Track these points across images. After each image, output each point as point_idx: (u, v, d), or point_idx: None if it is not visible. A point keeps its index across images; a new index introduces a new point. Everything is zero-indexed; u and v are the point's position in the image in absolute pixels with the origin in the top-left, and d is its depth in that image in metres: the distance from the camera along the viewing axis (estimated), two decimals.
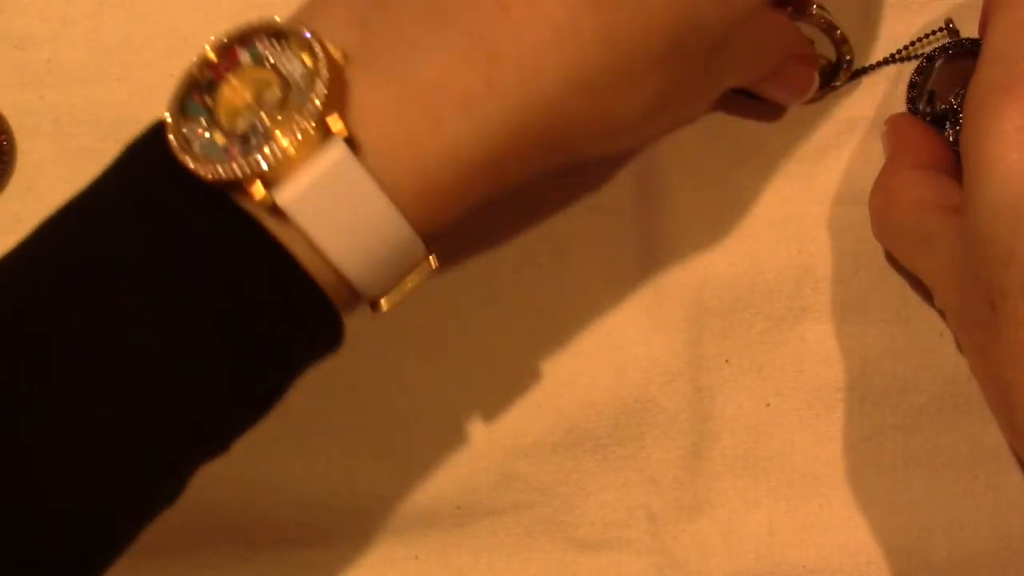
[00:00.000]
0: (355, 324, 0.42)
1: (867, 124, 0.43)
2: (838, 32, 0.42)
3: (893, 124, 0.41)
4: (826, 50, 0.42)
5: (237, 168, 0.27)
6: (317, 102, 0.28)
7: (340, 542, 0.41)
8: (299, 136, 0.27)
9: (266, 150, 0.27)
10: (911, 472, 0.42)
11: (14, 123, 0.43)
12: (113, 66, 0.43)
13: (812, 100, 0.42)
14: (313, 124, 0.27)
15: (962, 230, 0.34)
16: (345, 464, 0.41)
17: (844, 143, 0.43)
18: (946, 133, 0.41)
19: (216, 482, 0.41)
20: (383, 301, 0.32)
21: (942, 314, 0.39)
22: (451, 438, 0.42)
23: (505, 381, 0.42)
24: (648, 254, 0.42)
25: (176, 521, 0.41)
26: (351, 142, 0.28)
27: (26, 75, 0.43)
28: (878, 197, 0.40)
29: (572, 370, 0.42)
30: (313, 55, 0.28)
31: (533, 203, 0.43)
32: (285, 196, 0.27)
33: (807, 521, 0.41)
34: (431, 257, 0.32)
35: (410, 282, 0.32)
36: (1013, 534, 0.41)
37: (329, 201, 0.28)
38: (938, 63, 0.42)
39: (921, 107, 0.41)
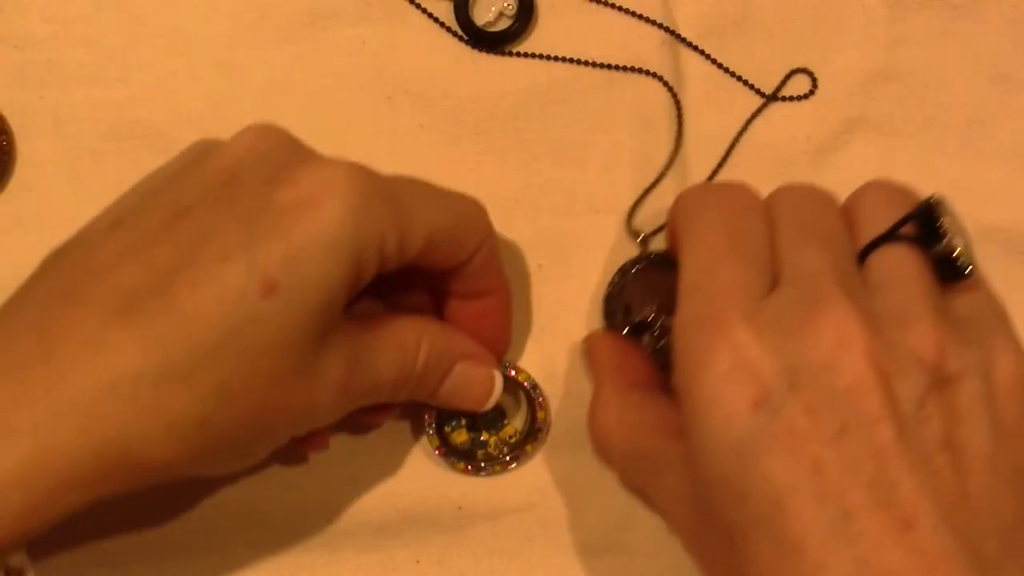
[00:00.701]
0: None
1: (866, 126, 0.43)
2: (540, 396, 0.41)
3: (594, 345, 0.41)
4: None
5: None
6: None
7: (341, 544, 0.41)
8: None
9: None
10: None
11: (14, 123, 0.43)
12: (113, 66, 0.44)
13: (496, 470, 0.41)
14: None
15: (687, 458, 0.33)
16: (346, 465, 0.41)
17: (843, 144, 0.43)
18: (644, 344, 0.40)
19: (217, 484, 0.41)
20: None
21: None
22: None
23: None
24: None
25: (176, 523, 0.41)
26: None
27: (26, 75, 0.43)
28: (597, 426, 0.39)
29: (572, 371, 0.42)
30: None
31: (534, 201, 0.43)
32: None
33: None
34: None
35: None
36: None
37: None
38: (631, 276, 0.41)
39: (618, 320, 0.41)
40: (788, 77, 0.44)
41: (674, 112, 0.43)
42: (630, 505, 0.41)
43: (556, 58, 0.44)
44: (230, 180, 0.33)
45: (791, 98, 0.44)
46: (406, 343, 0.36)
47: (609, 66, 0.44)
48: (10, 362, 0.31)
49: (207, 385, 0.31)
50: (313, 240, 0.32)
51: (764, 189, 0.43)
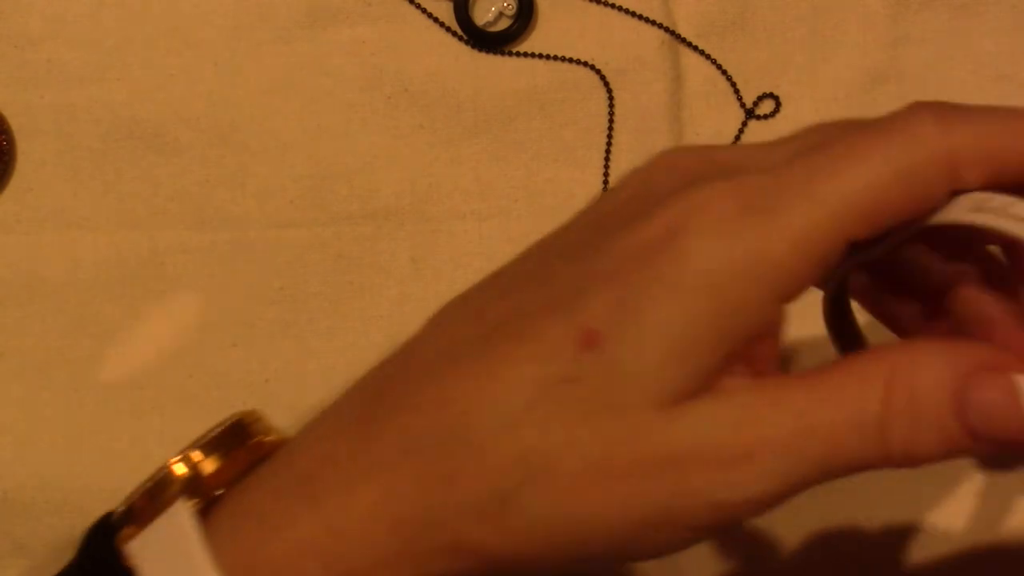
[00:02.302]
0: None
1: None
2: None
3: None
4: None
5: (117, 514, 0.30)
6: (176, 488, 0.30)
7: None
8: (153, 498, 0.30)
9: (127, 505, 0.30)
10: (911, 474, 0.41)
11: (14, 123, 0.43)
12: (113, 66, 0.44)
13: None
14: (168, 492, 0.30)
15: None
16: None
17: None
18: None
19: None
20: None
21: None
22: None
23: None
24: None
25: None
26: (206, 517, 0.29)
27: (26, 75, 0.43)
28: None
29: None
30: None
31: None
32: (130, 540, 0.30)
33: (807, 526, 0.41)
34: None
35: None
36: (1014, 535, 0.41)
37: (158, 555, 0.29)
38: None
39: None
40: (760, 99, 0.44)
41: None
42: None
43: (556, 58, 0.44)
44: (600, 224, 0.27)
45: (765, 116, 0.44)
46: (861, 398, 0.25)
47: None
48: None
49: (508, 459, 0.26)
50: (654, 281, 0.25)
51: None
